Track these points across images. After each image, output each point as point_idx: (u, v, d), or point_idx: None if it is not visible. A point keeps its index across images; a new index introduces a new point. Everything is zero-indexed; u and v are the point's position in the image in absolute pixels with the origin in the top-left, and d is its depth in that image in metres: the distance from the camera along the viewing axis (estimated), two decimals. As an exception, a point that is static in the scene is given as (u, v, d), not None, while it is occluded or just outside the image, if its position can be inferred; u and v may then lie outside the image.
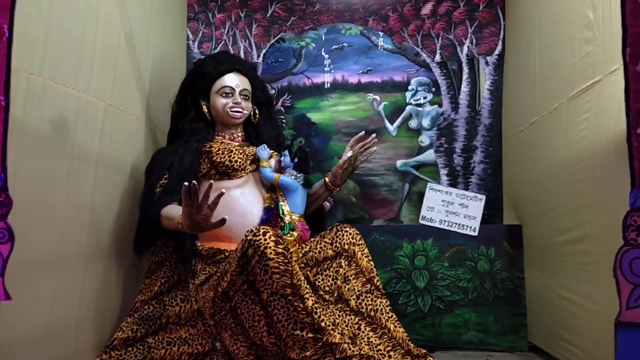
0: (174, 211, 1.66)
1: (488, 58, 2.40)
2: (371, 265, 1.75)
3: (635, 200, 1.02)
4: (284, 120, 2.48)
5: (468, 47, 2.42)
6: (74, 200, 1.50)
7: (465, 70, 2.42)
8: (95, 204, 1.61)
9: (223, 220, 1.44)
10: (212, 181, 1.45)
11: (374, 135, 1.93)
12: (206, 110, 1.89)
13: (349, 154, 1.89)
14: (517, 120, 2.18)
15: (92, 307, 1.62)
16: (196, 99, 1.91)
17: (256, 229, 1.44)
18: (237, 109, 1.87)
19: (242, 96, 1.90)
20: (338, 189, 1.98)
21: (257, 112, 1.99)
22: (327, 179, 1.95)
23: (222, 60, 1.93)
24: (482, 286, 2.11)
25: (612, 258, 1.07)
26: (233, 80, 1.89)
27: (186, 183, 1.43)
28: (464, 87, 2.42)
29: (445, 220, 2.22)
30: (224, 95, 1.88)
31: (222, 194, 1.44)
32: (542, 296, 1.94)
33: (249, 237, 1.42)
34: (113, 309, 1.78)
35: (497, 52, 2.39)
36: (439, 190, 2.27)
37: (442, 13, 2.45)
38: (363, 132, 1.96)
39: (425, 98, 2.46)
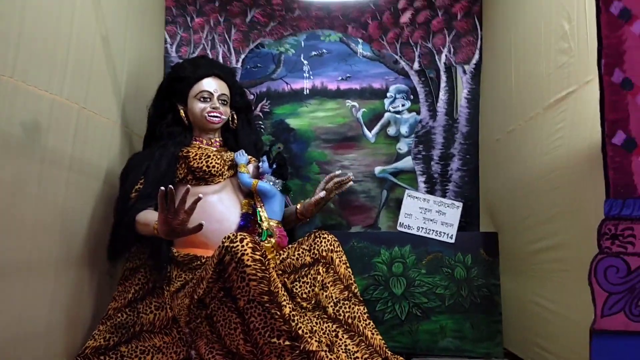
0: (149, 217, 1.63)
1: (466, 67, 2.43)
2: (349, 272, 1.75)
3: (609, 209, 1.04)
4: (262, 126, 2.46)
5: (446, 55, 2.45)
6: (45, 205, 1.46)
7: (443, 78, 2.44)
8: (67, 209, 1.57)
9: (200, 226, 1.42)
10: (189, 186, 1.43)
11: (350, 175, 1.93)
12: (183, 114, 1.87)
13: (322, 194, 1.88)
14: (493, 128, 2.21)
15: (63, 315, 1.58)
16: (174, 103, 1.89)
17: (233, 235, 1.42)
18: (215, 114, 1.85)
19: (220, 101, 1.88)
20: (308, 220, 2.03)
21: (235, 117, 1.97)
22: (298, 208, 1.95)
23: (200, 65, 1.91)
24: (458, 293, 2.12)
25: (585, 266, 1.08)
26: (211, 84, 1.87)
27: (162, 188, 1.40)
28: (442, 95, 2.44)
29: (422, 227, 2.22)
30: (202, 99, 1.86)
31: (199, 199, 1.42)
32: (517, 303, 1.96)
33: (225, 244, 1.40)
34: (85, 316, 1.74)
35: (474, 61, 2.42)
36: (416, 197, 2.28)
37: (421, 22, 2.47)
38: (339, 171, 1.96)
39: (403, 105, 2.47)
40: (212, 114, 1.85)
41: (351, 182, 1.95)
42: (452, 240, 2.18)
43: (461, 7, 2.44)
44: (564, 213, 1.52)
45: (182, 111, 1.87)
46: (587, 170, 1.35)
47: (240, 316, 1.40)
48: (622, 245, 1.01)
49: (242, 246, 1.38)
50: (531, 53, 1.82)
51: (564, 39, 1.55)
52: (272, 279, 1.40)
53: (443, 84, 2.44)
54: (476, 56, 2.42)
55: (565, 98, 1.53)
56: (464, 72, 2.43)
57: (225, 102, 1.90)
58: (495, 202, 2.20)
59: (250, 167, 1.87)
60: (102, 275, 1.83)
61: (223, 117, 1.88)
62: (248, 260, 1.37)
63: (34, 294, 1.42)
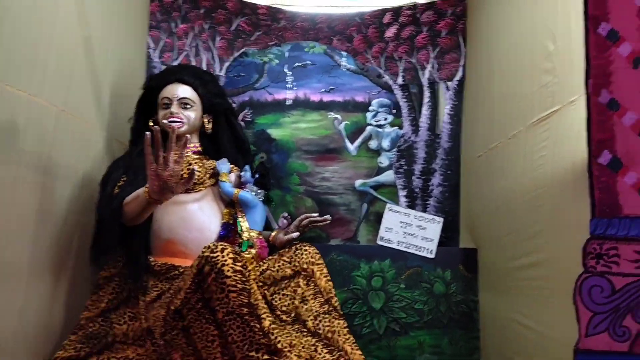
0: (137, 191, 1.58)
1: (449, 83, 2.45)
2: (330, 285, 1.73)
3: (595, 228, 1.04)
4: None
5: (430, 71, 2.46)
6: (19, 208, 1.41)
7: (427, 94, 2.46)
8: (43, 213, 1.52)
9: (193, 173, 1.40)
10: (174, 126, 1.42)
11: (328, 217, 1.89)
12: (152, 123, 1.85)
13: (295, 234, 1.85)
14: (476, 145, 2.22)
15: (33, 323, 1.52)
16: (148, 113, 1.88)
17: (214, 245, 1.39)
18: (173, 119, 1.81)
19: (180, 105, 1.84)
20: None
21: (211, 121, 1.94)
22: (270, 237, 1.90)
23: (166, 73, 1.92)
24: (437, 309, 2.12)
25: (566, 284, 1.09)
26: (171, 90, 1.85)
27: (147, 133, 1.37)
28: (425, 111, 2.46)
29: (402, 242, 2.22)
30: (163, 106, 1.84)
31: (186, 141, 1.40)
32: (496, 320, 1.96)
33: (205, 254, 1.37)
34: (57, 325, 1.67)
35: (457, 77, 2.44)
36: (397, 212, 2.27)
37: (406, 37, 2.49)
38: (317, 214, 1.92)
39: (385, 119, 2.48)
40: (170, 120, 1.81)
41: (327, 222, 1.92)
42: (432, 256, 2.18)
43: (446, 24, 2.46)
44: (546, 231, 1.53)
45: (151, 121, 1.86)
46: (570, 189, 1.36)
47: (218, 328, 1.37)
48: (606, 265, 1.02)
49: (223, 256, 1.35)
50: (515, 72, 1.85)
51: (548, 59, 1.57)
52: (252, 291, 1.37)
53: (426, 100, 2.46)
54: (459, 73, 2.44)
55: (549, 117, 1.54)
56: (447, 88, 2.45)
57: (189, 106, 1.86)
58: (476, 219, 2.22)
59: (232, 176, 1.84)
60: (76, 283, 1.77)
61: (184, 121, 1.84)
62: (228, 271, 1.34)
63: (3, 301, 1.36)
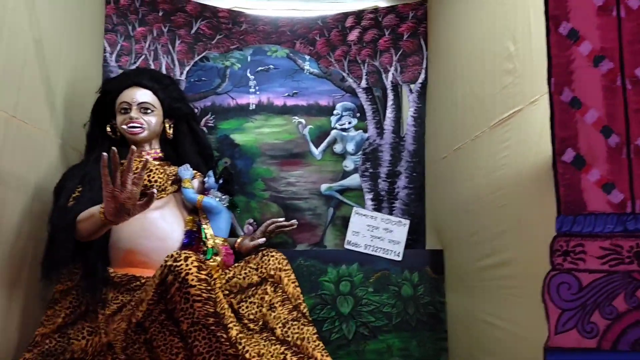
0: (92, 210, 1.51)
1: (412, 86, 2.46)
2: (298, 291, 1.70)
3: (561, 225, 1.05)
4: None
5: (393, 74, 2.47)
6: (-35, 221, 1.33)
7: (390, 97, 2.47)
8: (-9, 225, 1.44)
9: (152, 196, 1.34)
10: (134, 147, 1.37)
11: (294, 222, 1.89)
12: (109, 129, 1.78)
13: (261, 240, 1.83)
14: (440, 147, 2.24)
15: (-18, 343, 1.43)
16: (105, 118, 1.81)
17: (177, 253, 1.35)
18: (132, 124, 1.76)
19: (140, 110, 1.79)
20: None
21: (172, 126, 1.88)
22: (236, 244, 1.87)
23: (124, 76, 1.86)
24: (405, 311, 2.12)
25: (534, 282, 1.09)
26: (130, 94, 1.80)
27: (104, 153, 1.31)
28: (389, 114, 2.46)
29: (370, 245, 2.21)
30: (122, 111, 1.79)
31: (146, 162, 1.34)
32: (463, 320, 1.96)
33: (168, 263, 1.33)
34: (10, 343, 1.58)
35: (420, 80, 2.46)
36: (364, 215, 2.26)
37: (368, 40, 2.49)
38: (283, 219, 1.92)
39: (350, 123, 2.47)
40: (130, 125, 1.76)
41: (294, 227, 1.91)
42: (399, 258, 2.18)
43: (407, 27, 2.48)
44: (511, 230, 1.54)
45: (108, 127, 1.79)
46: (534, 187, 1.37)
47: (182, 340, 1.32)
48: (573, 262, 1.02)
49: (187, 265, 1.31)
50: (476, 73, 1.86)
51: (509, 60, 1.58)
52: (218, 300, 1.33)
53: (390, 102, 2.46)
54: (422, 75, 2.46)
55: (511, 117, 1.56)
56: (411, 91, 2.46)
57: (149, 111, 1.81)
58: (442, 220, 2.23)
59: (195, 182, 1.79)
60: (31, 298, 1.68)
61: (144, 127, 1.79)
62: (193, 280, 1.30)
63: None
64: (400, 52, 2.48)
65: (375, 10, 2.50)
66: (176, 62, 2.42)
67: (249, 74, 2.47)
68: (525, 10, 1.49)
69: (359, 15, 2.50)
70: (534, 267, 1.19)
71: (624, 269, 1.00)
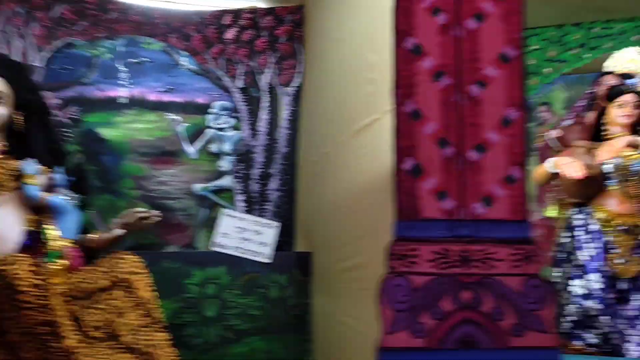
0: None
1: (287, 89, 2.47)
2: (153, 296, 1.62)
3: (399, 230, 1.10)
4: (69, 134, 2.22)
5: (269, 76, 2.47)
6: None
7: (266, 98, 2.46)
8: None
9: None
10: None
11: (156, 212, 1.77)
12: None
13: (118, 231, 1.69)
14: (311, 150, 2.27)
15: None
16: None
17: (10, 256, 1.23)
18: None
19: None
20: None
21: (21, 119, 1.72)
22: (92, 239, 1.70)
23: None
24: (272, 314, 2.12)
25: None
26: None
27: None
28: (264, 115, 2.46)
29: (239, 247, 2.18)
30: None
31: None
32: (327, 321, 2.01)
33: (-2, 267, 1.20)
34: None
35: (295, 83, 2.48)
36: (234, 217, 2.23)
37: (245, 40, 2.46)
38: (144, 209, 1.79)
39: (227, 123, 2.43)
40: None
41: (158, 218, 1.80)
42: (269, 260, 2.17)
43: (285, 30, 2.49)
44: (365, 234, 1.59)
45: None
46: (385, 193, 1.42)
47: (11, 353, 1.20)
48: (406, 265, 1.07)
49: (16, 269, 1.19)
50: (345, 80, 1.92)
51: (370, 70, 1.64)
52: (54, 307, 1.23)
53: (265, 104, 2.46)
54: (297, 79, 2.48)
55: (370, 125, 1.62)
56: (286, 94, 2.47)
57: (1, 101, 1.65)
58: (311, 223, 2.26)
59: (42, 179, 1.64)
60: None
61: None
62: (23, 285, 1.19)
63: None
64: (277, 55, 2.48)
65: (254, 10, 2.49)
66: (34, 47, 2.22)
67: (120, 66, 2.34)
68: (384, 23, 1.53)
69: (237, 14, 2.47)
70: (380, 271, 1.23)
71: (451, 271, 1.07)
